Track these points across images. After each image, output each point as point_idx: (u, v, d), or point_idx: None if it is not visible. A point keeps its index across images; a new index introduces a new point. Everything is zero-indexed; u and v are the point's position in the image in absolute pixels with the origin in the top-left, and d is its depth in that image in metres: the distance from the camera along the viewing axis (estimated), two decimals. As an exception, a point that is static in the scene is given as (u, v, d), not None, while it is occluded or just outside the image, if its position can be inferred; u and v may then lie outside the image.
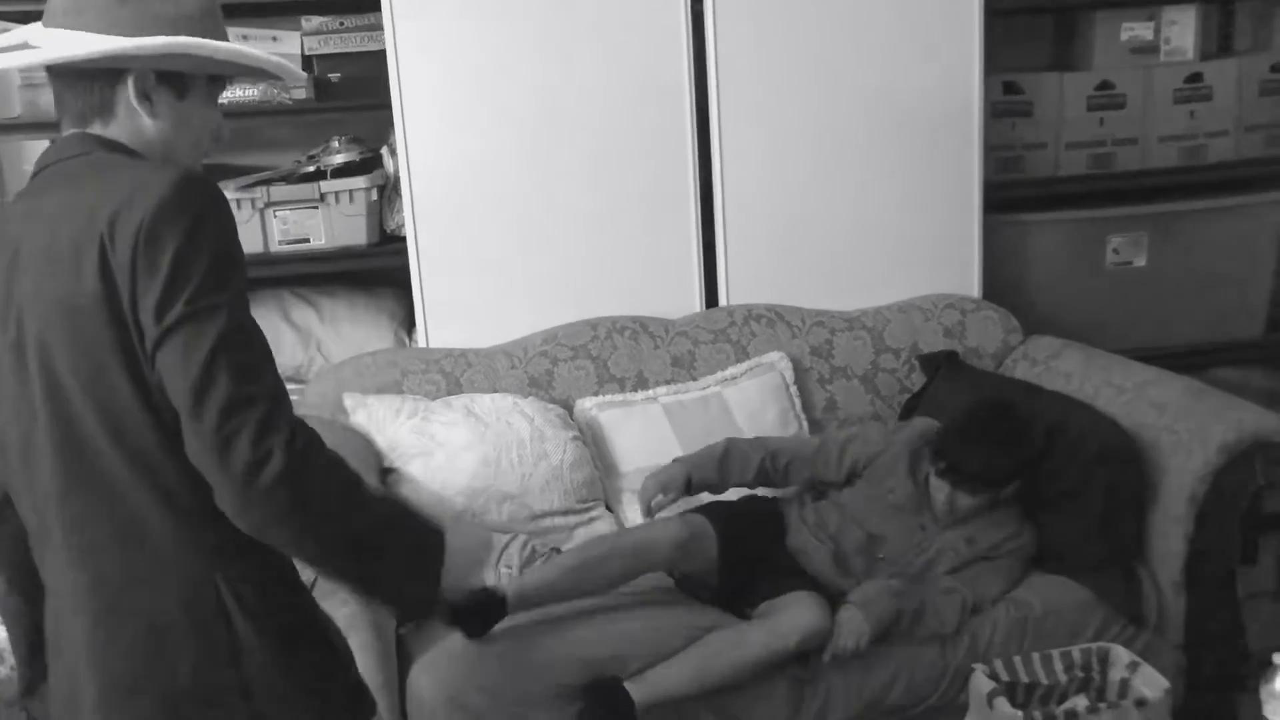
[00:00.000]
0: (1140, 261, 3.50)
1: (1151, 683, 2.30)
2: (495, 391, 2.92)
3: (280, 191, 3.02)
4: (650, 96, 3.04)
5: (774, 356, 3.06)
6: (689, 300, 3.17)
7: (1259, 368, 3.56)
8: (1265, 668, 1.85)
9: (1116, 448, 2.57)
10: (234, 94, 3.06)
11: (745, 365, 3.05)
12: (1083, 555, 2.52)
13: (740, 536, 2.44)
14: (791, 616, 2.28)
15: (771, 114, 3.11)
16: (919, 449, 2.56)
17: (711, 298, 3.20)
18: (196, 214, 1.21)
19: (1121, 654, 2.39)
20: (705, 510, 2.50)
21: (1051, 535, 2.57)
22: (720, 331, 3.10)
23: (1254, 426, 2.51)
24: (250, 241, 2.98)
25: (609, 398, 2.97)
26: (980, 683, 2.30)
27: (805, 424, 3.03)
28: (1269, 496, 2.76)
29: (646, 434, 2.89)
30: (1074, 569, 2.53)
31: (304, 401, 2.87)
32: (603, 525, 2.74)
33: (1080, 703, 2.36)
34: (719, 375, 3.03)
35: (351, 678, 1.47)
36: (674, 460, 2.59)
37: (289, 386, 2.98)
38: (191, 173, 1.25)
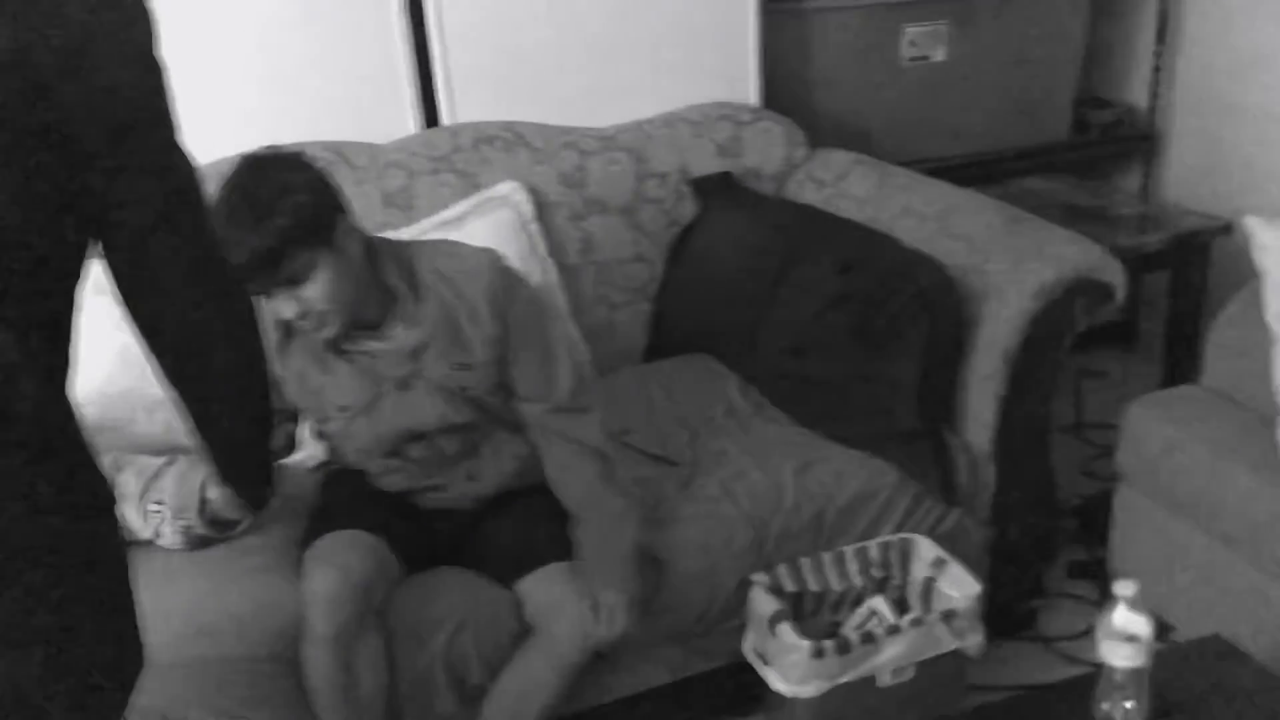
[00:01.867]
0: (939, 56, 3.02)
1: (960, 584, 1.93)
2: (142, 252, 2.21)
3: None
4: None
5: (506, 188, 2.45)
6: (401, 120, 2.50)
7: (1066, 176, 3.18)
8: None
9: (938, 292, 2.10)
10: None
11: (472, 201, 2.43)
12: (893, 424, 2.09)
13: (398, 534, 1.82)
14: (561, 626, 1.77)
15: None
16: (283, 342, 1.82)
17: (431, 116, 2.53)
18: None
19: (925, 548, 2.00)
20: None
21: (856, 401, 2.13)
22: (443, 159, 2.46)
23: (1074, 263, 2.10)
24: None
25: (299, 253, 2.30)
26: (761, 602, 1.88)
27: (555, 269, 2.47)
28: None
29: (348, 299, 2.27)
30: (880, 440, 2.10)
31: None
32: (301, 430, 2.13)
33: (881, 609, 1.98)
34: (441, 216, 2.41)
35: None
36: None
37: None
38: None
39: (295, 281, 1.64)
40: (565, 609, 1.77)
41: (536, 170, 2.50)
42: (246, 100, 2.36)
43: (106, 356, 2.03)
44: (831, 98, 2.95)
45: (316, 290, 1.66)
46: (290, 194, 1.62)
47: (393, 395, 1.80)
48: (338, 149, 2.40)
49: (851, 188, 2.55)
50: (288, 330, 1.78)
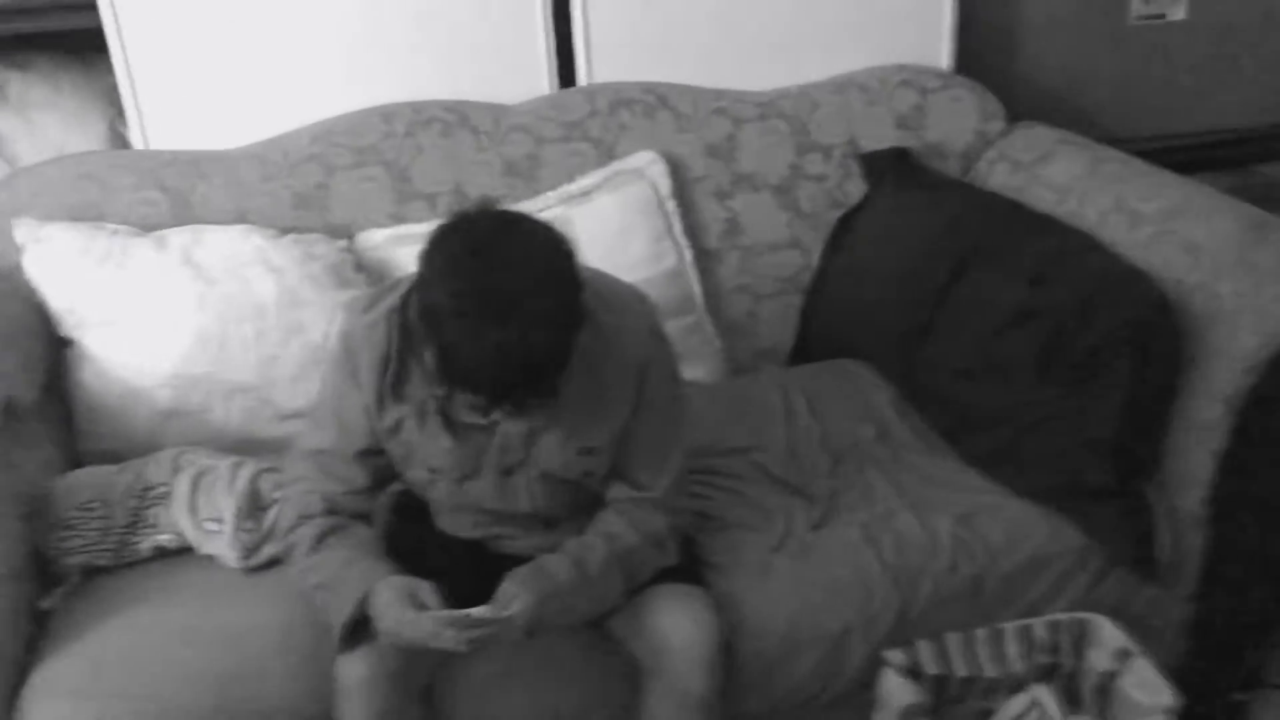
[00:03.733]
0: (1178, 13, 2.55)
1: (1149, 688, 1.56)
2: (243, 219, 2.03)
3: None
4: None
5: (643, 159, 2.15)
6: (532, 78, 2.22)
7: (1323, 163, 2.66)
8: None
9: (1151, 319, 1.69)
10: None
11: (603, 173, 2.14)
12: (1082, 477, 1.71)
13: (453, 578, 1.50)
14: (675, 660, 1.49)
15: None
16: (385, 374, 1.47)
17: (566, 74, 2.25)
18: None
19: (1108, 633, 1.63)
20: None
21: (1037, 444, 1.76)
22: (576, 124, 2.17)
23: (1336, 290, 1.66)
24: None
25: (409, 227, 2.07)
26: (895, 689, 1.56)
27: (689, 254, 2.17)
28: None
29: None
30: (1064, 495, 1.73)
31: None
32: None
33: (1045, 701, 1.62)
34: (567, 189, 2.13)
35: None
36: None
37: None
38: None
39: (507, 413, 1.37)
40: (679, 637, 1.49)
41: (680, 139, 2.20)
42: (360, 50, 2.13)
43: (184, 336, 1.86)
44: (1039, 63, 2.52)
45: (537, 411, 1.40)
46: (553, 282, 1.29)
47: (489, 477, 1.51)
48: (458, 109, 2.15)
49: (1052, 173, 2.14)
50: (401, 363, 1.46)
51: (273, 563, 1.67)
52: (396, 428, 1.49)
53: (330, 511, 1.52)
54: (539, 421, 1.46)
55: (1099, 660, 1.63)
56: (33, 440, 1.78)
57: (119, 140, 2.19)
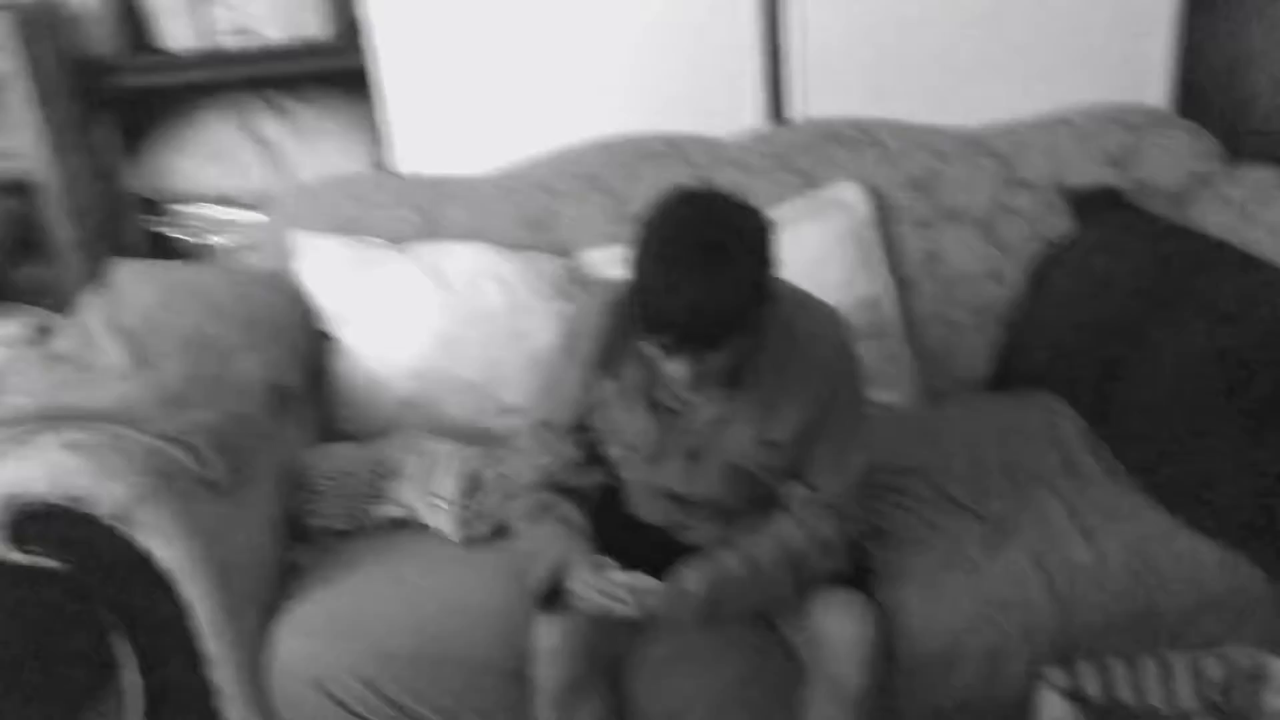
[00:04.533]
0: None
1: (1324, 735, 1.53)
2: (480, 236, 2.27)
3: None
4: None
5: (844, 189, 2.26)
6: (745, 113, 2.37)
7: None
8: None
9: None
10: None
11: (806, 202, 2.26)
12: (1269, 518, 1.70)
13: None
14: (833, 664, 1.62)
15: None
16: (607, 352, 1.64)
17: (778, 109, 2.39)
18: None
19: (1282, 675, 1.61)
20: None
21: (1223, 482, 1.75)
22: (783, 156, 2.31)
23: None
24: (184, 36, 2.41)
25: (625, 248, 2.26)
26: (1053, 708, 1.59)
27: (891, 283, 2.25)
28: None
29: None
30: (1249, 535, 1.72)
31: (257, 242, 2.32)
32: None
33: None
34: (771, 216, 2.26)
35: None
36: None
37: (249, 216, 2.50)
38: None
39: (685, 356, 1.48)
40: (839, 635, 1.60)
41: (883, 172, 2.29)
42: (589, 86, 2.34)
43: (424, 336, 2.11)
44: (1269, 101, 2.46)
45: (715, 369, 1.50)
46: (750, 246, 1.45)
47: (678, 460, 1.66)
48: (674, 142, 2.32)
49: (1269, 215, 2.10)
50: (617, 343, 1.63)
51: (488, 538, 1.88)
52: (604, 403, 1.66)
53: (547, 484, 1.70)
54: (727, 410, 1.60)
55: (1274, 702, 1.61)
56: (298, 420, 2.06)
57: (380, 164, 2.49)
